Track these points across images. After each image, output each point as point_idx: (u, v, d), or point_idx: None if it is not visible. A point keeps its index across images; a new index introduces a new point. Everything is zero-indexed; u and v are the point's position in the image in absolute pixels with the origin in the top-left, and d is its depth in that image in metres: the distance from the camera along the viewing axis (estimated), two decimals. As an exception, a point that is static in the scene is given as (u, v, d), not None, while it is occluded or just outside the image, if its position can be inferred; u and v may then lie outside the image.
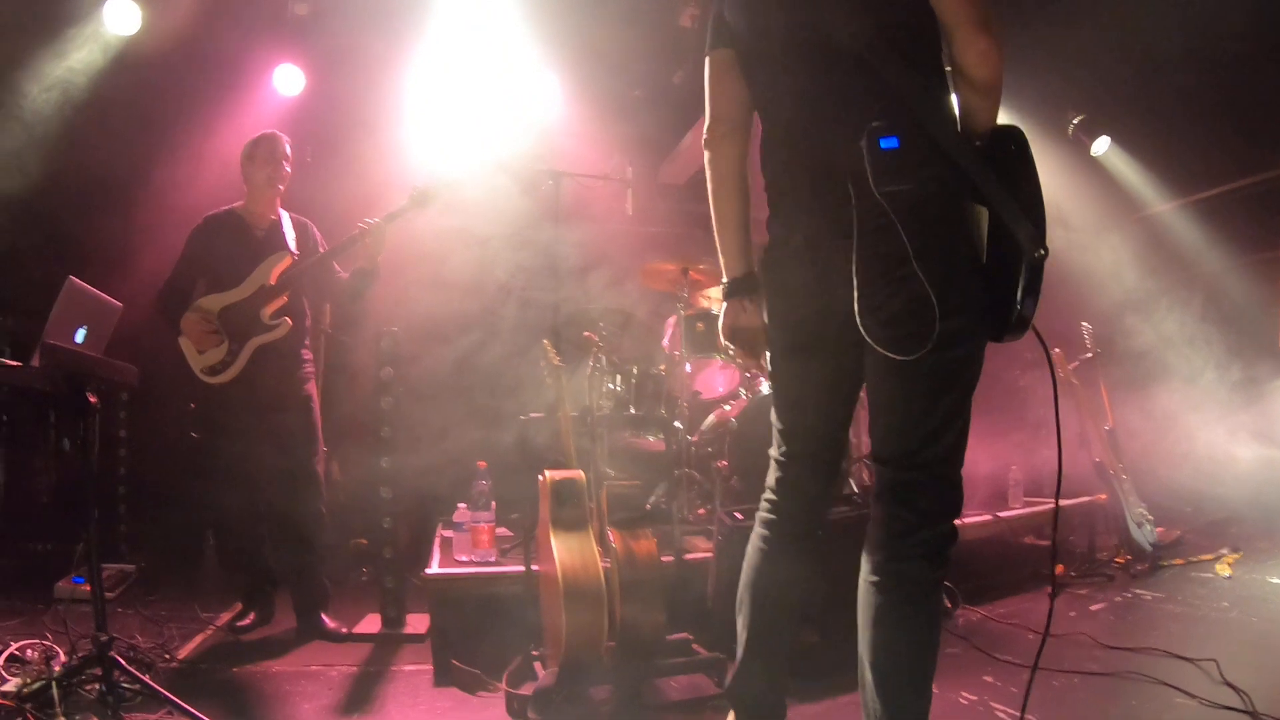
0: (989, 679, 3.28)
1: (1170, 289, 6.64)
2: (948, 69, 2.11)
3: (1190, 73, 5.97)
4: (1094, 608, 4.29)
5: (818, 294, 2.10)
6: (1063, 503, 5.08)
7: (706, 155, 2.36)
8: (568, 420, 3.68)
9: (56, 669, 2.94)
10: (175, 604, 4.54)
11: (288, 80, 5.99)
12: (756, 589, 2.32)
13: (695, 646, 3.44)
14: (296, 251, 4.29)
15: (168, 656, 3.62)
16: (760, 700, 2.36)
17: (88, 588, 4.66)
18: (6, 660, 3.18)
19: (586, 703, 3.12)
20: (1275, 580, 4.57)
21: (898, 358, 1.93)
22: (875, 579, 2.02)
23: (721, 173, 2.35)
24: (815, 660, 3.12)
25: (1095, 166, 7.12)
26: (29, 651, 3.30)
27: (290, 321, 4.16)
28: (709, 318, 4.91)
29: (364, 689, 3.37)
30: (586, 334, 4.42)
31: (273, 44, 5.90)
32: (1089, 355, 5.66)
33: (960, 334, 1.95)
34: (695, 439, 4.73)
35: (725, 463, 4.44)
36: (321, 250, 4.38)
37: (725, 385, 5.09)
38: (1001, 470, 5.25)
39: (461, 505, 4.19)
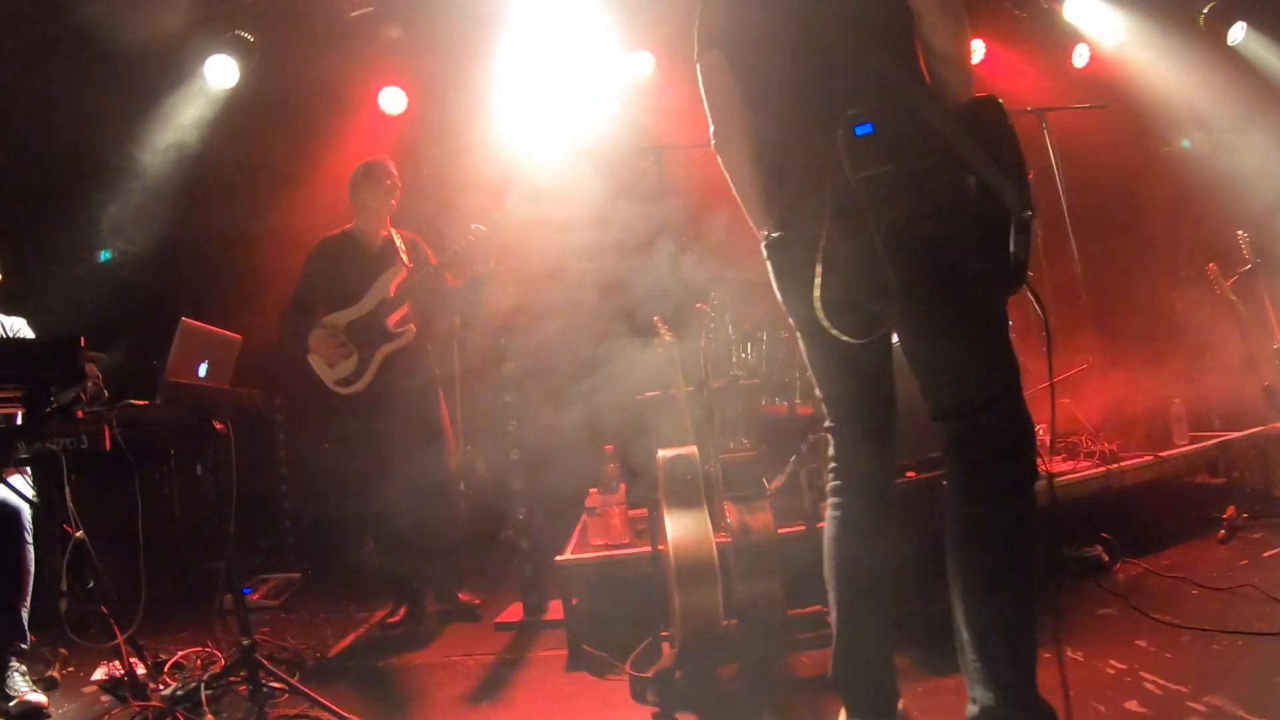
0: (1142, 643, 2.96)
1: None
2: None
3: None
4: (1269, 554, 3.84)
5: (811, 284, 2.11)
6: (1232, 435, 4.70)
7: (720, 159, 2.38)
8: (682, 396, 3.66)
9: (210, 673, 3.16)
10: (334, 606, 4.82)
11: (392, 101, 6.23)
12: (839, 564, 2.28)
13: (830, 619, 3.35)
14: (410, 264, 4.53)
15: (319, 655, 3.83)
16: (866, 683, 2.27)
17: (254, 596, 5.10)
18: (171, 667, 3.45)
19: (711, 682, 3.10)
20: None
21: (854, 340, 2.03)
22: (956, 526, 2.03)
23: (738, 172, 2.36)
24: (926, 628, 2.95)
25: (1233, 57, 6.41)
26: (194, 660, 3.57)
27: (415, 328, 4.45)
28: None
29: (498, 677, 3.48)
30: (699, 305, 4.38)
31: (372, 68, 6.12)
32: (1248, 267, 5.12)
33: (979, 276, 2.04)
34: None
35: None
36: (432, 263, 4.57)
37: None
38: (1163, 404, 4.85)
39: (593, 490, 4.24)
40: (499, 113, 5.94)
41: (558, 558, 3.96)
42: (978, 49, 6.16)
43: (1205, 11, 6.33)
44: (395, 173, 4.61)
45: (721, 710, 2.92)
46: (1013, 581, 1.97)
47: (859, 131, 2.04)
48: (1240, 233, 5.17)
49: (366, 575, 5.44)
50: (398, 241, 4.61)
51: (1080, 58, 6.35)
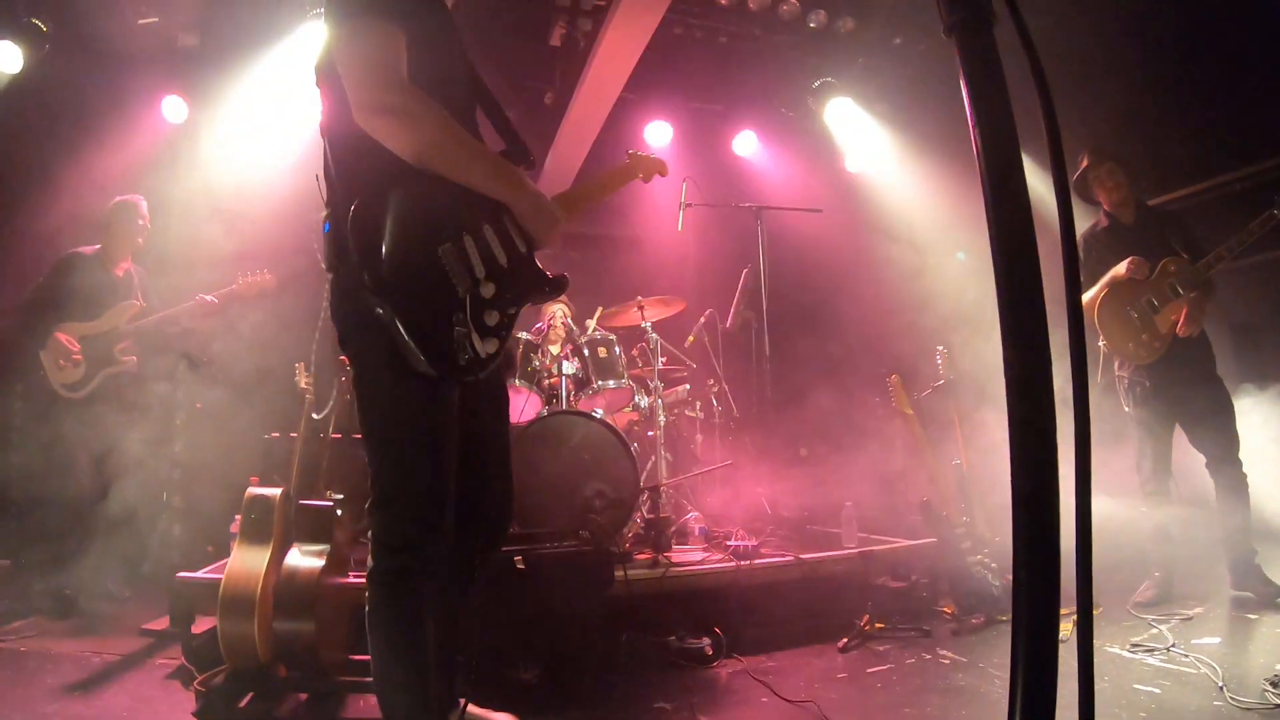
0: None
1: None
2: None
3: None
4: (874, 669, 3.86)
5: None
6: (888, 545, 4.98)
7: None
8: (299, 441, 3.93)
9: None
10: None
11: (174, 110, 6.47)
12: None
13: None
14: (142, 301, 5.25)
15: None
16: None
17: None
18: None
19: (248, 712, 3.29)
20: (1112, 649, 3.91)
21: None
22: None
23: None
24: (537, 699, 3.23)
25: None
26: None
27: (135, 360, 5.17)
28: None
29: (106, 674, 3.75)
30: (342, 356, 4.66)
31: (158, 75, 6.36)
32: (941, 382, 5.44)
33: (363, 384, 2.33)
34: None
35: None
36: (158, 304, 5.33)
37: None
38: (835, 507, 5.19)
39: (239, 515, 4.51)
40: (272, 135, 6.21)
41: (180, 574, 4.16)
42: (748, 141, 6.54)
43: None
44: (147, 216, 5.34)
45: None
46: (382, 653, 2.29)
47: (325, 229, 2.33)
48: (940, 348, 5.52)
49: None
50: (135, 279, 5.32)
51: (852, 162, 6.77)
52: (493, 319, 2.29)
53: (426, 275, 2.21)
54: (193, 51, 6.37)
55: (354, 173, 2.26)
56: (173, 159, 6.13)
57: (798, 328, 6.15)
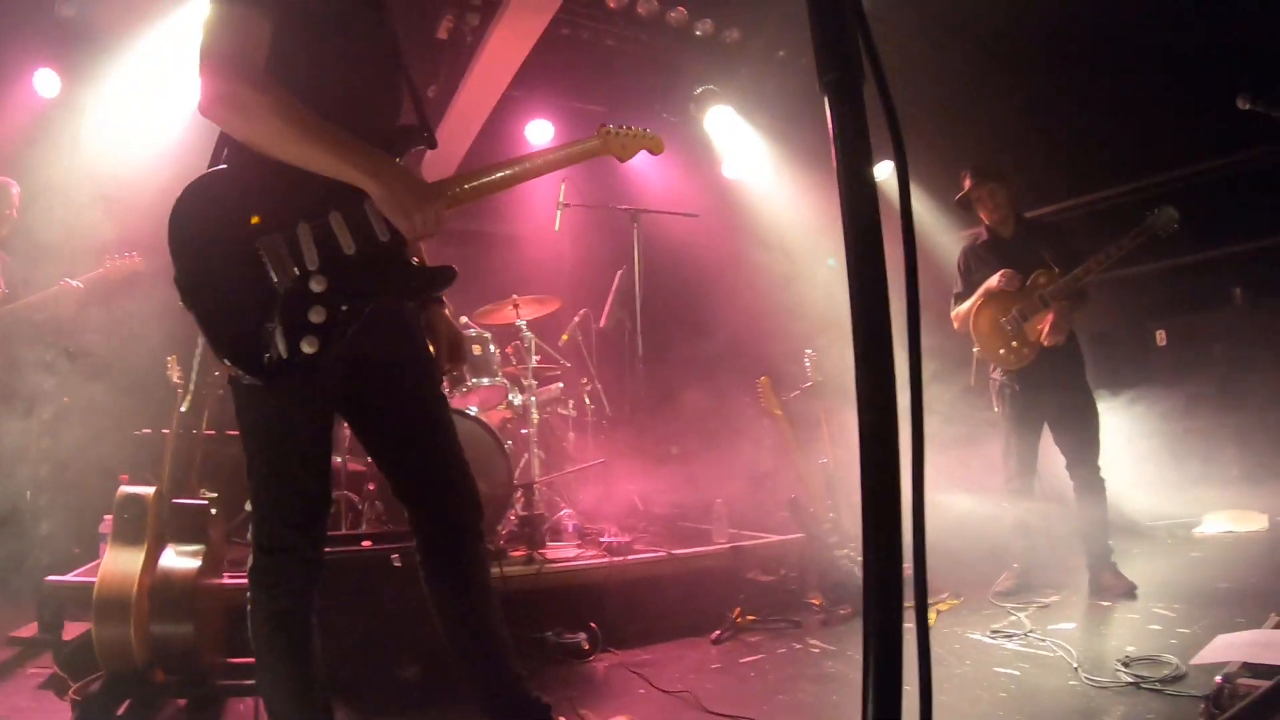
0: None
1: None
2: None
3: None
4: (747, 659, 4.07)
5: None
6: (758, 541, 5.19)
7: None
8: (170, 438, 3.86)
9: None
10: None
11: (45, 83, 6.17)
12: None
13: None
14: (3, 288, 5.02)
15: None
16: None
17: None
18: None
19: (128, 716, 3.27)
20: (974, 635, 4.18)
21: None
22: None
23: None
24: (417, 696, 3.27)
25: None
26: None
27: None
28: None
29: None
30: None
31: (31, 46, 6.09)
32: (809, 384, 5.76)
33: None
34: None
35: (374, 485, 4.59)
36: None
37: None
38: (706, 505, 5.37)
39: (108, 515, 4.36)
40: (148, 117, 6.01)
41: (48, 578, 4.02)
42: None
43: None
44: (16, 201, 5.13)
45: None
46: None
47: None
48: (809, 351, 5.79)
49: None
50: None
51: (729, 168, 6.99)
52: (319, 315, 2.14)
53: (237, 269, 2.12)
54: (70, 23, 6.07)
55: (215, 160, 2.28)
56: (45, 137, 5.84)
57: (671, 329, 6.34)
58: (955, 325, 5.29)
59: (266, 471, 2.27)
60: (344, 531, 4.33)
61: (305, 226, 2.18)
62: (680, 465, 5.85)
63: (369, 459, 4.77)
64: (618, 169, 6.58)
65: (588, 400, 5.78)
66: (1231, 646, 3.11)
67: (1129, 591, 4.64)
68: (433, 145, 2.56)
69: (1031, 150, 5.77)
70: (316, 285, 2.16)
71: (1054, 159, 6.92)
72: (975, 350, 5.19)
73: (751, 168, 7.17)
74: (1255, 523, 6.52)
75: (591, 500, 5.50)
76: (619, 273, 5.97)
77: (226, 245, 2.13)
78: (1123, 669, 3.37)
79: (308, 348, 2.12)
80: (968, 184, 5.21)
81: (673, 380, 6.24)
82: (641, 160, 6.83)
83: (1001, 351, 5.04)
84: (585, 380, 5.80)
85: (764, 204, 7.31)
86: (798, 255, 6.76)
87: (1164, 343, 7.97)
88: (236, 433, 2.32)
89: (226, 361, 2.09)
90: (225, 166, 2.25)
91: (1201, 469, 6.89)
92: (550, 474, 5.33)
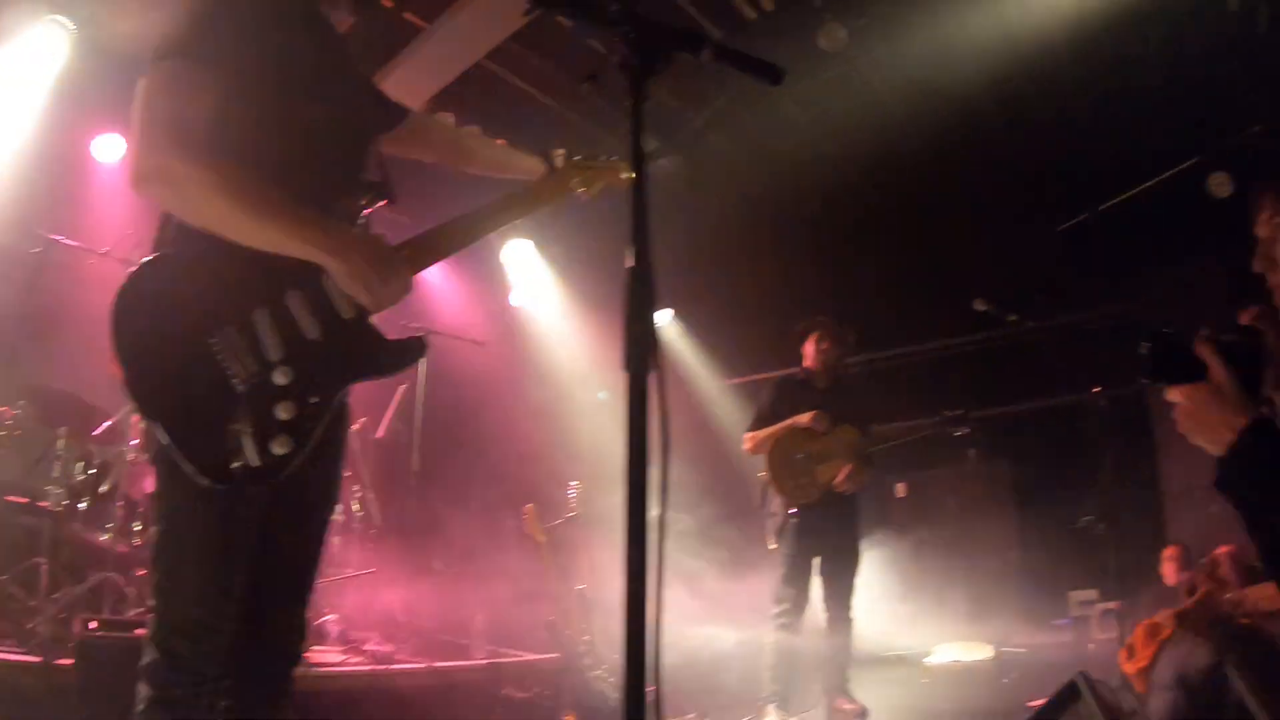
0: None
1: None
2: None
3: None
4: None
5: None
6: (513, 659, 5.52)
7: None
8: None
9: None
10: None
11: None
12: None
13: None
14: None
15: None
16: None
17: None
18: None
19: None
20: None
21: None
22: None
23: None
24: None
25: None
26: None
27: None
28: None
29: None
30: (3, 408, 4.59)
31: None
32: (571, 514, 6.21)
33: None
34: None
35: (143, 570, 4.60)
36: None
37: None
38: (466, 621, 5.67)
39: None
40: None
41: None
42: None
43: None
44: None
45: None
46: None
47: None
48: (574, 483, 6.30)
49: None
50: None
51: (516, 296, 7.54)
52: (287, 411, 1.99)
53: (193, 371, 1.96)
54: None
55: (160, 241, 2.10)
56: None
57: (446, 448, 6.63)
58: (746, 446, 5.64)
59: (184, 579, 2.02)
60: (106, 616, 4.27)
61: (262, 312, 2.02)
62: (444, 581, 6.10)
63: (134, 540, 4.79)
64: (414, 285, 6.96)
65: (357, 507, 5.95)
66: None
67: (861, 715, 5.13)
68: (394, 200, 2.39)
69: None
70: (281, 378, 2.01)
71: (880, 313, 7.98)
72: (762, 475, 5.52)
73: (539, 298, 7.73)
74: (981, 652, 7.50)
75: (355, 607, 5.65)
76: (401, 387, 6.28)
77: (178, 344, 1.97)
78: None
79: (279, 449, 1.98)
80: (802, 328, 5.74)
81: (443, 497, 6.51)
82: (436, 275, 7.27)
83: (790, 485, 5.36)
84: (357, 487, 5.98)
85: (545, 335, 7.87)
86: (571, 387, 7.30)
87: (903, 494, 9.34)
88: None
89: (191, 469, 1.93)
90: (167, 251, 2.06)
91: (934, 605, 7.99)
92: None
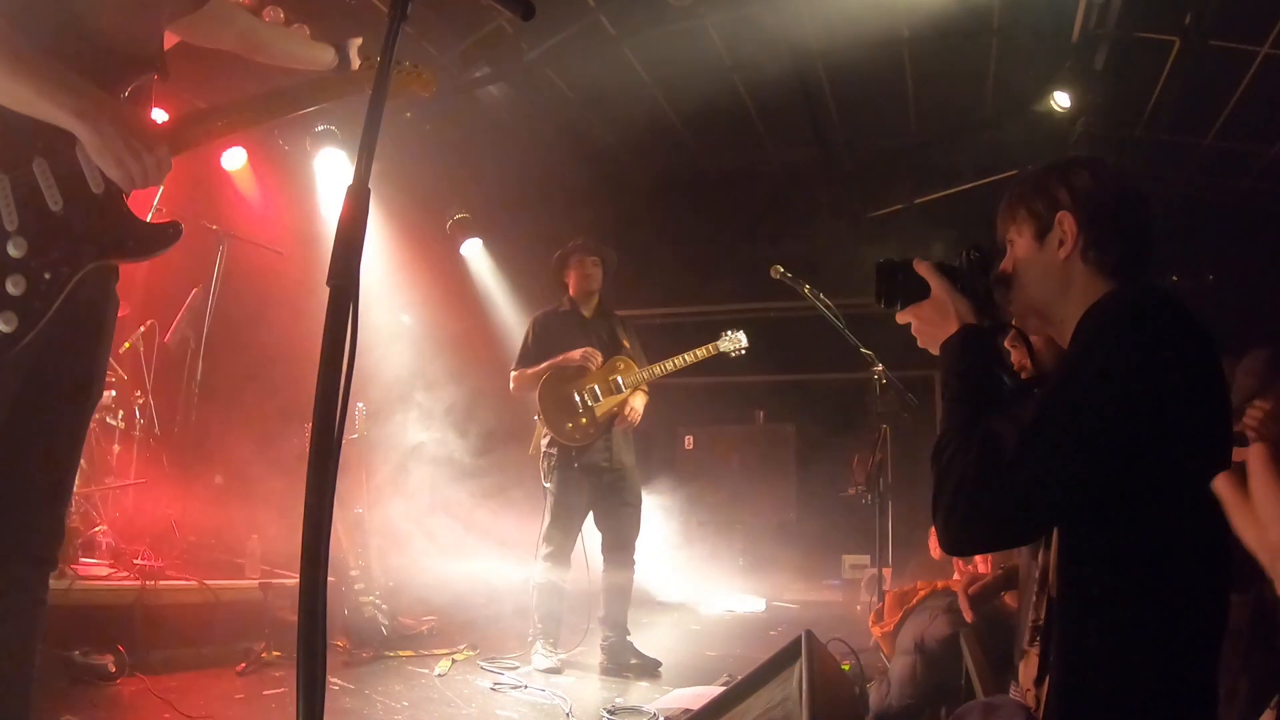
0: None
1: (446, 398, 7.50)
2: None
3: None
4: (269, 692, 4.51)
5: None
6: (287, 580, 5.57)
7: None
8: None
9: None
10: None
11: None
12: None
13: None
14: None
15: None
16: None
17: None
18: None
19: None
20: (482, 684, 4.97)
21: None
22: None
23: None
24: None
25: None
26: None
27: None
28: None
29: None
30: None
31: None
32: (354, 436, 6.28)
33: None
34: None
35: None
36: None
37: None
38: (242, 539, 5.72)
39: None
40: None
41: None
42: (237, 157, 6.87)
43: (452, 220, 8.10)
44: None
45: None
46: None
47: None
48: (360, 405, 6.40)
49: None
50: None
51: (326, 208, 7.42)
52: (18, 286, 1.92)
53: None
54: None
55: None
56: None
57: (234, 359, 6.48)
58: (512, 388, 5.66)
59: None
60: None
61: (3, 179, 1.96)
62: (221, 496, 6.09)
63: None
64: (216, 183, 6.75)
65: (138, 414, 5.81)
66: (681, 698, 4.29)
67: (653, 669, 5.28)
68: (164, 75, 2.29)
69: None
70: (15, 249, 1.93)
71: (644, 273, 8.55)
72: (536, 418, 5.56)
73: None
74: (753, 605, 8.41)
75: (127, 519, 5.58)
76: (194, 291, 6.12)
77: None
78: (607, 715, 4.31)
79: (3, 325, 1.90)
80: (571, 246, 5.68)
81: (226, 411, 6.46)
82: (247, 178, 7.06)
83: (569, 426, 5.37)
84: (139, 393, 5.84)
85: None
86: (374, 306, 7.28)
87: (691, 446, 10.11)
88: None
89: None
90: None
91: (711, 556, 8.79)
92: (89, 486, 5.32)
